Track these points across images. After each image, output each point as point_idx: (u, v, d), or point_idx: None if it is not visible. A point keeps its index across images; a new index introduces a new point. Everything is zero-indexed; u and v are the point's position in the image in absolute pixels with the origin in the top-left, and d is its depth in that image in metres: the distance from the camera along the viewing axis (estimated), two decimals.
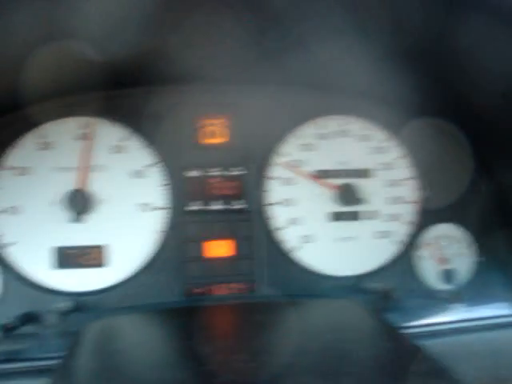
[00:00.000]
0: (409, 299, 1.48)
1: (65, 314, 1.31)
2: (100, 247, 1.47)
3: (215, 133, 1.58)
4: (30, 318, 1.34)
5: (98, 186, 1.49)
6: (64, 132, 1.49)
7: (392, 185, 1.64)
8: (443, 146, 1.66)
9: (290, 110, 1.60)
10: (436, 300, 1.54)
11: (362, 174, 1.63)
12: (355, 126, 1.64)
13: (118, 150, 1.51)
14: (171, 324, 1.17)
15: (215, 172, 1.56)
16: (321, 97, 1.62)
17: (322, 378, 0.83)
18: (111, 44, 1.17)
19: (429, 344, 0.98)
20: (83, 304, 1.42)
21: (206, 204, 1.55)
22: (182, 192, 1.54)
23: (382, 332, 1.08)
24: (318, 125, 1.62)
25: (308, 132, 1.61)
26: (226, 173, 1.57)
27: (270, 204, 1.57)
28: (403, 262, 1.61)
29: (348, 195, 1.59)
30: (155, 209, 1.51)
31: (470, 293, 1.57)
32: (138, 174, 1.51)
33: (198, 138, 1.57)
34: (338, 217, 1.60)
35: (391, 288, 1.43)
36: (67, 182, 1.46)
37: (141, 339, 1.08)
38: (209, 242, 1.53)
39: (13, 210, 1.44)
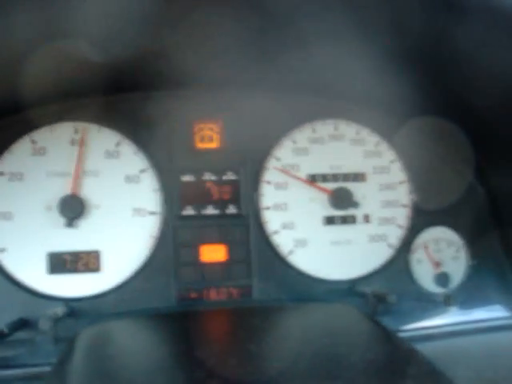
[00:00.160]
0: (403, 302, 1.48)
1: (58, 319, 1.30)
2: (94, 252, 1.47)
3: (209, 137, 1.58)
4: (23, 324, 1.34)
5: (92, 191, 1.48)
6: (58, 137, 1.48)
7: (386, 188, 1.64)
8: (437, 149, 1.66)
9: (285, 115, 1.60)
10: (430, 303, 1.55)
11: (357, 177, 1.63)
12: (349, 130, 1.65)
13: (113, 155, 1.51)
14: (166, 329, 1.17)
15: (210, 177, 1.56)
16: (315, 101, 1.62)
17: (317, 382, 0.82)
18: (106, 46, 1.17)
19: (423, 347, 0.98)
20: (77, 310, 1.42)
21: (201, 209, 1.55)
22: (176, 197, 1.53)
23: (376, 335, 1.08)
24: (312, 129, 1.62)
25: (302, 136, 1.62)
26: (221, 177, 1.57)
27: (265, 208, 1.57)
28: (397, 265, 1.61)
29: (342, 199, 1.59)
30: (149, 214, 1.51)
31: (464, 296, 1.57)
32: (133, 178, 1.51)
33: (193, 142, 1.57)
34: (333, 221, 1.60)
35: (386, 291, 1.43)
36: (61, 188, 1.45)
37: (135, 345, 1.07)
38: (203, 247, 1.53)
39: (6, 216, 1.43)
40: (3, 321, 1.29)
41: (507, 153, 1.48)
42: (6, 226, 1.43)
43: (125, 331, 1.17)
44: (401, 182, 1.65)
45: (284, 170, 1.59)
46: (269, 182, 1.58)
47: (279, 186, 1.59)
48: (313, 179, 1.60)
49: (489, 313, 1.50)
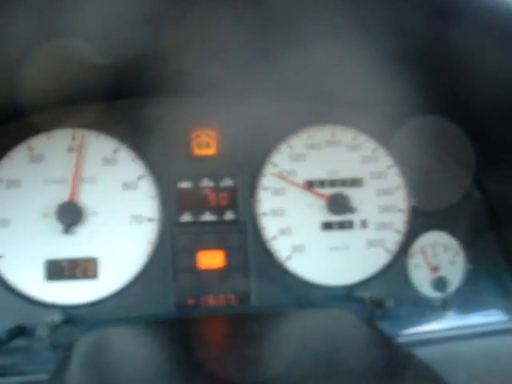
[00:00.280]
0: (401, 307, 1.48)
1: (56, 326, 1.30)
2: (91, 259, 1.47)
3: (207, 144, 1.58)
4: (20, 331, 1.33)
5: (89, 197, 1.48)
6: (55, 144, 1.49)
7: (383, 193, 1.65)
8: (434, 153, 1.67)
9: (281, 120, 1.61)
10: (428, 308, 1.55)
11: (354, 183, 1.63)
12: (346, 135, 1.65)
13: (110, 161, 1.51)
14: (164, 336, 1.17)
15: (207, 183, 1.57)
16: (312, 107, 1.63)
17: None
18: (105, 47, 1.16)
19: (421, 352, 0.98)
20: (75, 317, 1.42)
21: (198, 215, 1.55)
22: (173, 203, 1.54)
23: (374, 341, 1.08)
24: (308, 135, 1.63)
25: (299, 142, 1.62)
26: (218, 184, 1.57)
27: (262, 214, 1.58)
28: (395, 270, 1.61)
29: (339, 204, 1.59)
30: (147, 220, 1.51)
31: (461, 300, 1.57)
32: (130, 185, 1.51)
33: (190, 149, 1.57)
34: (330, 226, 1.60)
35: (383, 296, 1.43)
36: (58, 194, 1.46)
37: (133, 352, 1.07)
38: (201, 253, 1.53)
39: (3, 223, 1.43)
40: (0, 328, 1.28)
41: (504, 157, 1.49)
42: (3, 233, 1.43)
43: (123, 338, 1.17)
44: (398, 187, 1.65)
45: (281, 176, 1.59)
46: (266, 188, 1.59)
47: (276, 192, 1.59)
48: (310, 185, 1.60)
49: (486, 317, 1.50)
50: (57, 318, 1.33)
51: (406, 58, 1.24)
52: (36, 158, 1.47)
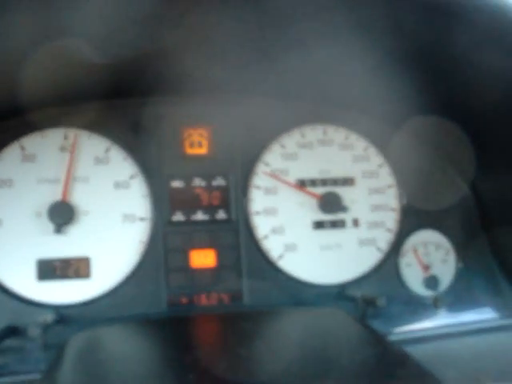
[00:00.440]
0: (393, 306, 1.49)
1: (48, 326, 1.30)
2: (83, 259, 1.46)
3: (199, 143, 1.58)
4: (12, 331, 1.33)
5: (81, 197, 1.48)
6: (47, 143, 1.48)
7: (375, 192, 1.65)
8: (426, 153, 1.68)
9: (273, 120, 1.61)
10: (420, 306, 1.55)
11: (345, 182, 1.64)
12: (338, 134, 1.66)
13: (102, 161, 1.51)
14: (156, 335, 1.17)
15: (199, 182, 1.57)
16: (304, 106, 1.63)
17: None
18: (103, 45, 1.16)
19: (413, 349, 0.98)
20: (67, 316, 1.41)
21: (191, 214, 1.55)
22: (166, 202, 1.53)
23: (367, 339, 1.08)
24: (301, 134, 1.63)
25: (291, 141, 1.62)
26: (210, 183, 1.57)
27: (254, 213, 1.58)
28: (387, 269, 1.62)
29: (331, 203, 1.60)
30: (139, 219, 1.51)
31: (453, 298, 1.58)
32: (122, 184, 1.51)
33: (182, 148, 1.57)
34: (322, 225, 1.61)
35: (375, 295, 1.43)
36: (50, 194, 1.45)
37: (126, 351, 1.07)
38: (193, 252, 1.53)
39: None
40: None
41: (497, 157, 1.50)
42: None
43: (115, 337, 1.17)
44: (389, 186, 1.66)
45: (273, 175, 1.60)
46: (258, 187, 1.59)
47: (268, 191, 1.59)
48: (302, 184, 1.61)
49: (478, 315, 1.51)
50: (49, 317, 1.33)
51: (402, 58, 1.24)
52: (28, 158, 1.46)
